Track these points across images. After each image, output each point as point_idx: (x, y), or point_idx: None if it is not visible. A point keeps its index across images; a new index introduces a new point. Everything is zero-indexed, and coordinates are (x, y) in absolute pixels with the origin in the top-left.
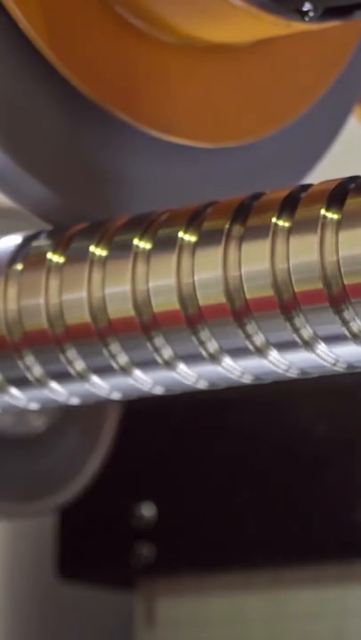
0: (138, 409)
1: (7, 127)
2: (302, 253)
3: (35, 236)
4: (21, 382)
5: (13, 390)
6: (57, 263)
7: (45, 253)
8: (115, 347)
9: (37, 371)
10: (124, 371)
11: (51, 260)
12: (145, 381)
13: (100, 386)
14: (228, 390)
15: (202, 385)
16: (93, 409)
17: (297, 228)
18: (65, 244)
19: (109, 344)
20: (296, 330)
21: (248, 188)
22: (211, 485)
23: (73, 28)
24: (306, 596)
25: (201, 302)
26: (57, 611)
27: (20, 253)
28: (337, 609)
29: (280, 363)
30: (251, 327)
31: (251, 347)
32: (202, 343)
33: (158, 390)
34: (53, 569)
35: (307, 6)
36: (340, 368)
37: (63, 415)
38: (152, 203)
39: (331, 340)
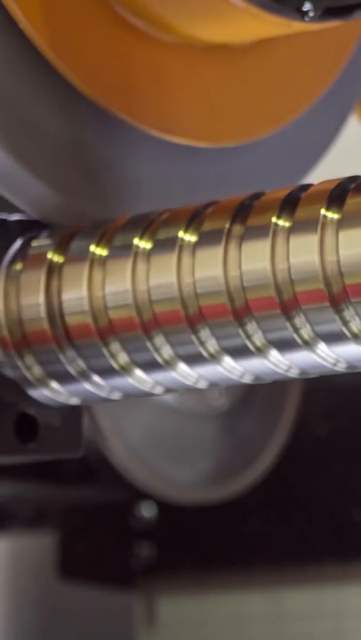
0: None
1: (7, 127)
2: (302, 253)
3: (35, 236)
4: (21, 382)
5: None
6: (57, 263)
7: (45, 253)
8: (115, 347)
9: (37, 371)
10: (124, 371)
11: (51, 260)
12: (145, 381)
13: (100, 385)
14: None
15: (202, 385)
16: (273, 391)
17: (297, 228)
18: (65, 243)
19: (109, 344)
20: (296, 330)
21: (248, 188)
22: None
23: (73, 27)
24: (306, 596)
25: (201, 302)
26: (57, 611)
27: (20, 253)
28: (337, 609)
29: (280, 362)
30: (251, 327)
31: (251, 347)
32: (202, 343)
33: (158, 390)
34: (54, 569)
35: (307, 6)
36: (340, 368)
37: (243, 396)
38: (152, 203)
39: (331, 339)
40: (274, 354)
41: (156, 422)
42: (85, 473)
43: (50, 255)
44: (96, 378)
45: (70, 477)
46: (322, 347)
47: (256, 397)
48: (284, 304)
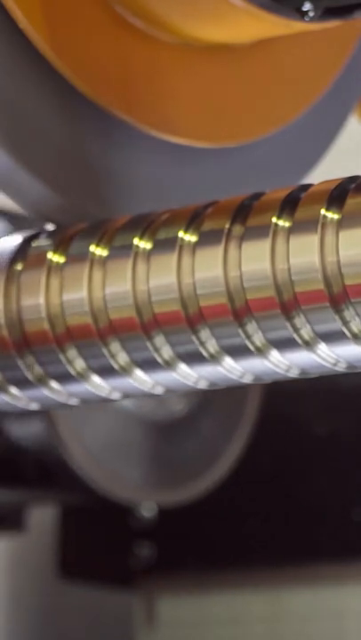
0: None
1: (7, 127)
2: (302, 253)
3: (35, 236)
4: (21, 382)
5: (14, 390)
6: (57, 263)
7: (45, 253)
8: (115, 347)
9: (37, 370)
10: (124, 371)
11: (51, 260)
12: (145, 381)
13: (100, 386)
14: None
15: (202, 385)
16: (232, 394)
17: (297, 228)
18: (65, 244)
19: (109, 344)
20: (296, 330)
21: (248, 188)
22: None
23: (73, 27)
24: (305, 596)
25: (201, 302)
26: (57, 611)
27: (20, 253)
28: (336, 609)
29: (280, 363)
30: (251, 327)
31: (251, 347)
32: (202, 343)
33: (158, 390)
34: (54, 569)
35: (307, 6)
36: (340, 368)
37: (201, 401)
38: (152, 203)
39: (331, 339)
40: (274, 354)
41: (115, 427)
42: (45, 476)
43: (50, 255)
44: (96, 378)
45: (29, 480)
46: (322, 347)
47: (215, 401)
48: (284, 304)
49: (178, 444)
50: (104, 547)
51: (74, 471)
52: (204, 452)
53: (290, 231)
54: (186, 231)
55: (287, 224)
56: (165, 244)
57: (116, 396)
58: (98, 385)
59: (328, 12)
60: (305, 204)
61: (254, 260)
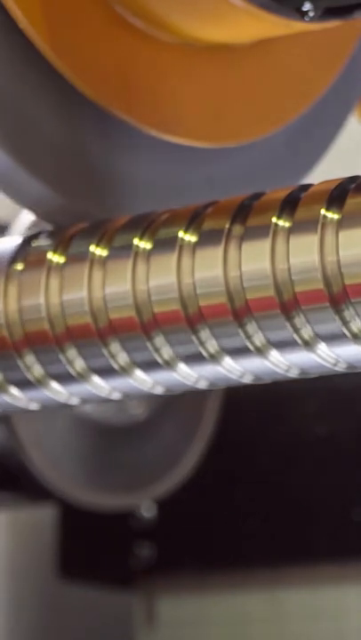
0: None
1: (7, 127)
2: (302, 253)
3: (35, 236)
4: (21, 382)
5: (13, 390)
6: (57, 263)
7: (45, 253)
8: (115, 347)
9: (37, 371)
10: (124, 371)
11: (51, 260)
12: (145, 381)
13: (100, 386)
14: (229, 390)
15: (202, 385)
16: (192, 398)
17: (297, 228)
18: (65, 244)
19: (109, 344)
20: (296, 330)
21: (248, 188)
22: (211, 485)
23: (73, 28)
24: (305, 596)
25: (201, 302)
26: (57, 611)
27: (20, 253)
28: (336, 609)
29: (280, 363)
30: (251, 327)
31: (251, 347)
32: (202, 343)
33: (158, 390)
34: (53, 569)
35: (307, 6)
36: (340, 368)
37: (162, 405)
38: (152, 203)
39: (331, 340)
40: (274, 354)
41: (75, 432)
42: (5, 480)
43: (50, 255)
44: (96, 378)
45: None
46: (322, 347)
47: (175, 406)
48: (284, 304)
49: (138, 448)
50: (104, 547)
51: (34, 476)
52: (165, 456)
53: (290, 231)
54: (186, 231)
55: (287, 224)
56: (165, 244)
57: (116, 395)
58: (98, 385)
59: (328, 12)
60: (305, 204)
61: (254, 260)
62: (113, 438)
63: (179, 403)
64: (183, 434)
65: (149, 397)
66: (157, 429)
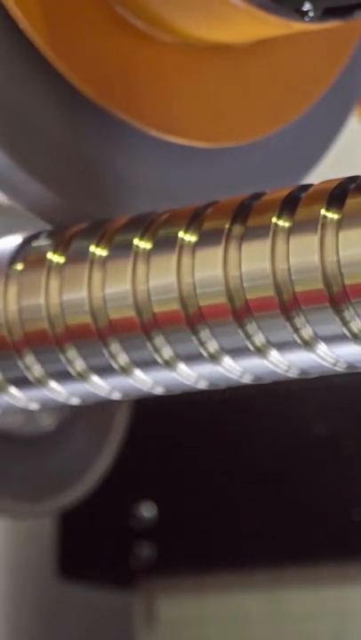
0: (138, 409)
1: (7, 127)
2: (302, 253)
3: (35, 236)
4: (21, 382)
5: (13, 390)
6: (57, 263)
7: (45, 253)
8: (115, 347)
9: (37, 371)
10: (124, 371)
11: (51, 260)
12: (145, 381)
13: (100, 386)
14: (229, 390)
15: (202, 385)
16: (102, 408)
17: (297, 228)
18: (65, 244)
19: (109, 344)
20: (296, 330)
21: (248, 188)
22: (211, 485)
23: (73, 28)
24: (305, 596)
25: (201, 302)
26: (57, 611)
27: (20, 253)
28: (336, 609)
29: (280, 363)
30: (251, 327)
31: (251, 347)
32: (202, 343)
33: (158, 390)
34: (53, 569)
35: (307, 6)
36: (340, 368)
37: (71, 415)
38: (152, 203)
39: (331, 340)
40: (274, 354)
41: None
42: None
43: (50, 255)
44: (96, 378)
45: None
46: (322, 347)
47: (85, 416)
48: (284, 304)
49: (46, 457)
50: (104, 547)
51: None
52: (74, 465)
53: (290, 231)
54: (186, 231)
55: (287, 224)
56: (165, 244)
57: (115, 395)
58: (98, 385)
59: (328, 12)
60: (305, 204)
61: (254, 260)
62: (21, 449)
63: (89, 412)
64: (93, 443)
65: (59, 408)
66: (67, 439)
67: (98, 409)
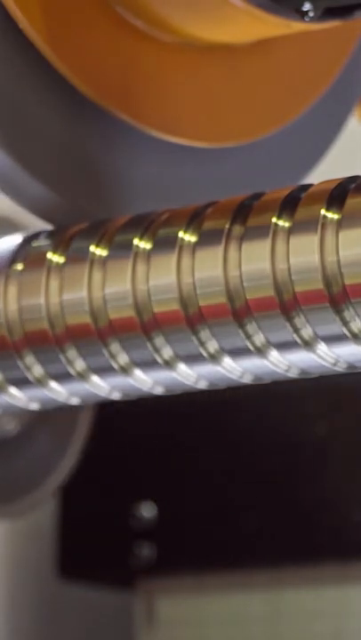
0: (137, 409)
1: (7, 127)
2: (302, 253)
3: (35, 236)
4: (21, 382)
5: (13, 390)
6: (57, 263)
7: (45, 253)
8: (115, 347)
9: (37, 371)
10: (124, 371)
11: (51, 260)
12: (145, 381)
13: (100, 386)
14: (229, 390)
15: (202, 385)
16: (65, 412)
17: (297, 228)
18: (65, 244)
19: (109, 344)
20: (296, 330)
21: (248, 188)
22: (211, 485)
23: (73, 28)
24: (306, 596)
25: (201, 302)
26: (57, 611)
27: (20, 253)
28: (336, 609)
29: (280, 363)
30: (251, 327)
31: (251, 347)
32: (202, 343)
33: (158, 390)
34: (53, 569)
35: (307, 6)
36: (340, 368)
37: (34, 419)
38: (152, 203)
39: (331, 340)
40: (274, 354)
41: None
42: None
43: (50, 255)
44: (96, 378)
45: None
46: (322, 347)
47: (48, 420)
48: (284, 304)
49: (11, 461)
50: (104, 547)
51: None
52: (37, 469)
53: (290, 231)
54: (186, 231)
55: (287, 224)
56: (165, 244)
57: (115, 395)
58: (98, 385)
59: (328, 12)
60: (305, 204)
61: (254, 260)
62: None
63: (52, 416)
64: (56, 445)
65: (22, 412)
66: (30, 442)
67: (60, 413)
